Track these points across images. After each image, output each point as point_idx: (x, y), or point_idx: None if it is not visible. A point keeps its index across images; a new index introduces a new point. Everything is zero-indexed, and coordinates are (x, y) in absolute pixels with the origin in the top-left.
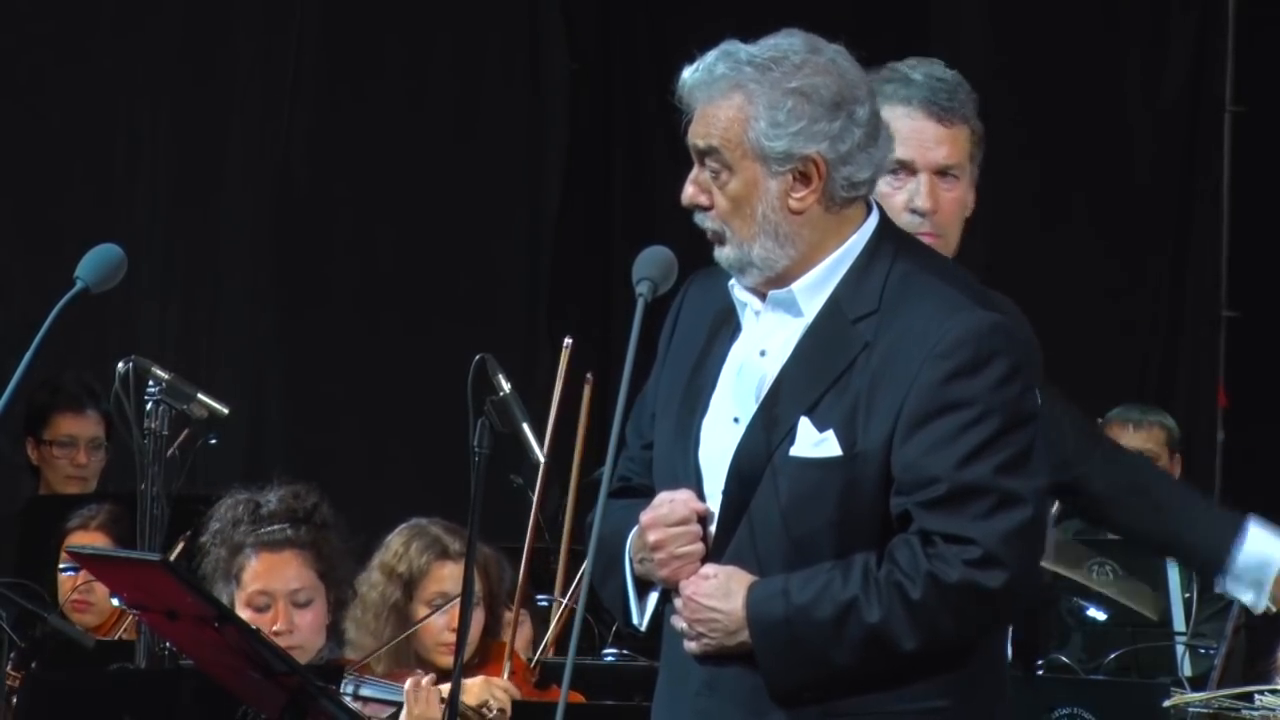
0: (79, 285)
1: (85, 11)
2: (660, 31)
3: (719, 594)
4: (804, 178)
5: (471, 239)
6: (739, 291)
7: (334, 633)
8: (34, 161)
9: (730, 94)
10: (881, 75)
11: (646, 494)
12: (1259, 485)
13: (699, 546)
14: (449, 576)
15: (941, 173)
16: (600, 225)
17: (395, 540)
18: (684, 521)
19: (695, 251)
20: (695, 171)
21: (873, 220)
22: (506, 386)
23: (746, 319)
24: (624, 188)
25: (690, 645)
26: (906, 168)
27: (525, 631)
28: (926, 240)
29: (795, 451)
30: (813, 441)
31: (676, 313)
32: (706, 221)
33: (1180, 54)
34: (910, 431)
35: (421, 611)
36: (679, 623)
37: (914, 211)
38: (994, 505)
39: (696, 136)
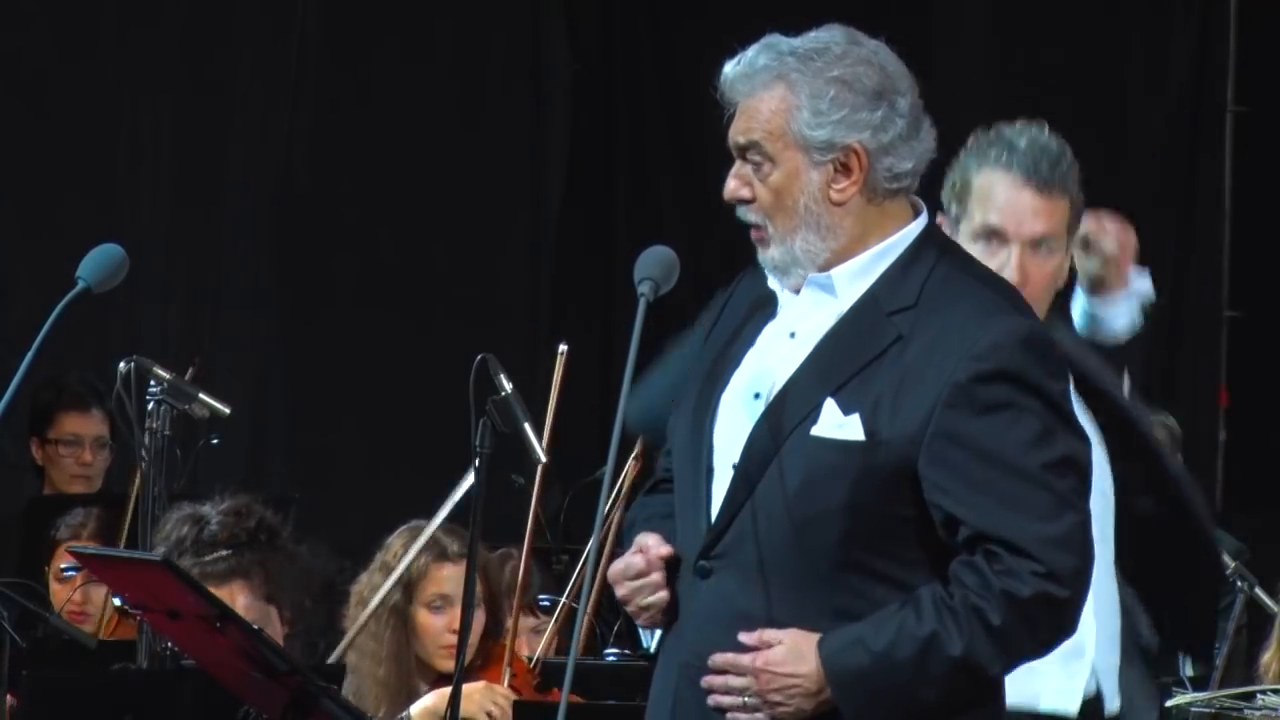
0: (81, 285)
1: (87, 11)
2: (663, 32)
3: (792, 658)
4: (845, 168)
5: (473, 239)
6: (763, 265)
7: (300, 639)
8: (36, 161)
9: (772, 85)
10: (985, 138)
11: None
12: (1260, 485)
13: (661, 596)
14: (448, 577)
15: (1035, 244)
16: (602, 225)
17: (395, 542)
18: (643, 574)
19: (697, 252)
20: (737, 165)
21: (920, 221)
22: (508, 386)
23: (783, 302)
24: (626, 188)
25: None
26: (998, 235)
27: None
28: None
29: (817, 431)
30: (836, 423)
31: (724, 302)
32: (749, 215)
33: (1182, 54)
34: (944, 433)
35: (421, 613)
36: (718, 697)
37: None
38: (1048, 508)
39: (738, 131)
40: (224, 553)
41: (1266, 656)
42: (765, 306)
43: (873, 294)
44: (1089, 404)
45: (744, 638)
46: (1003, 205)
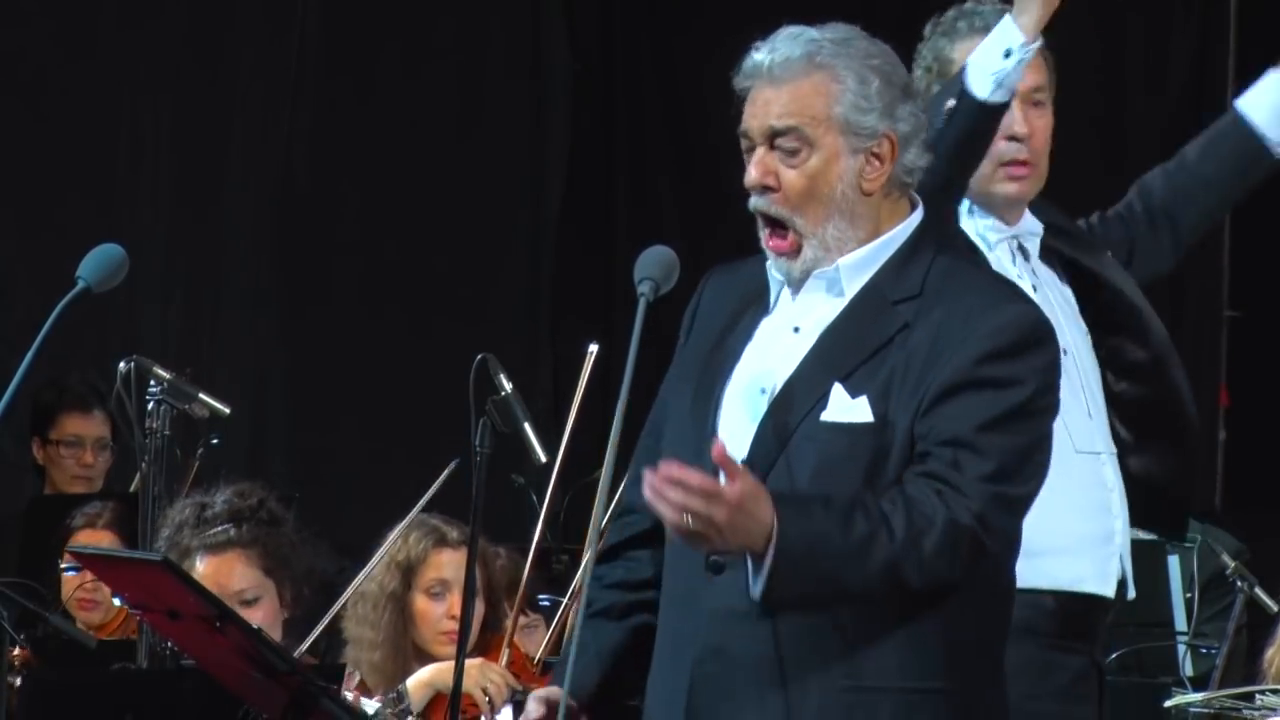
0: (81, 285)
1: (87, 10)
2: (663, 32)
3: (755, 501)
4: (877, 157)
5: (473, 239)
6: (779, 272)
7: (292, 628)
8: (36, 161)
9: (812, 71)
10: (947, 18)
11: (644, 540)
12: (1260, 485)
13: None
14: (447, 563)
15: (1032, 99)
16: (602, 225)
17: (394, 533)
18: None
19: (697, 252)
20: (760, 153)
21: (918, 214)
22: (508, 386)
23: (782, 298)
24: (626, 187)
25: (689, 543)
26: None
27: (538, 636)
28: (1021, 170)
29: (827, 416)
30: (845, 407)
31: (694, 309)
32: (772, 208)
33: (1182, 54)
34: (936, 401)
35: (419, 600)
36: (683, 521)
37: (1012, 138)
38: (1001, 473)
39: (773, 116)
40: (225, 525)
41: (1270, 652)
42: (756, 301)
43: (875, 284)
44: (1076, 282)
45: (718, 456)
46: None
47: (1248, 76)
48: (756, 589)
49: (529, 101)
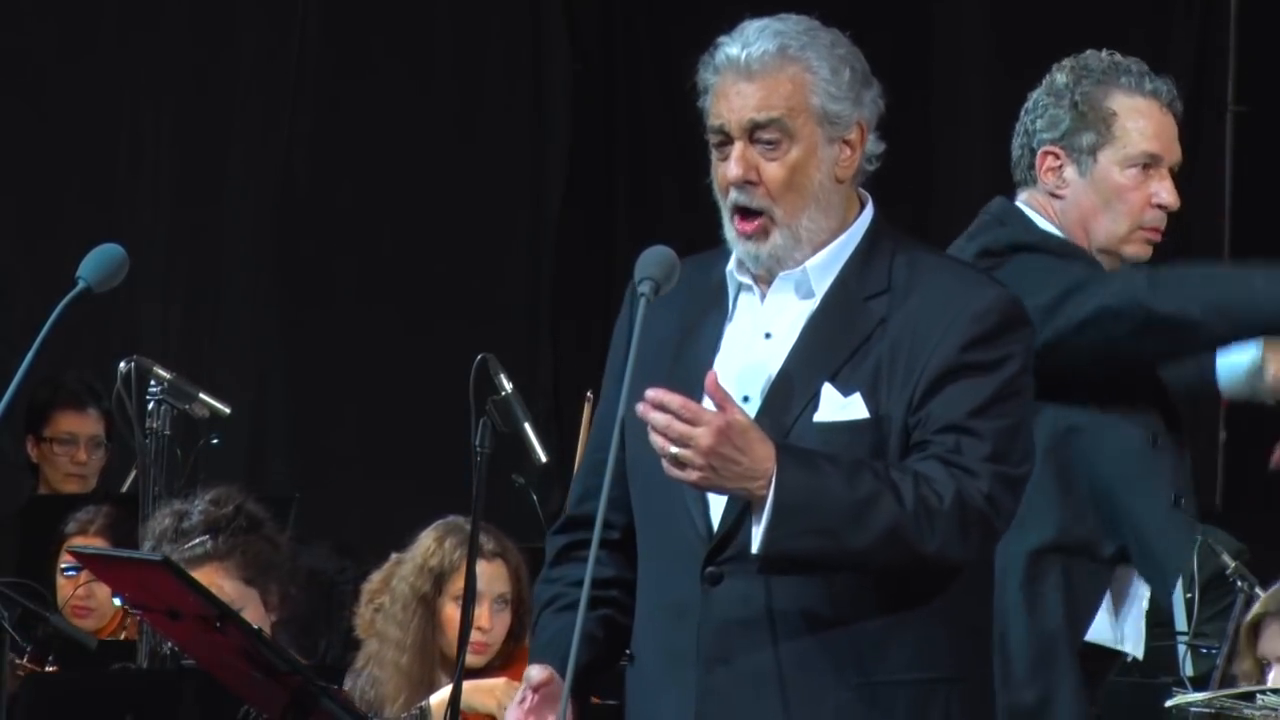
0: (81, 285)
1: (88, 11)
2: (663, 32)
3: (755, 437)
4: (848, 145)
5: (474, 239)
6: (743, 275)
7: (286, 627)
8: (37, 161)
9: (786, 64)
10: (1100, 65)
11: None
12: (1260, 485)
13: None
14: (480, 573)
15: (1174, 173)
16: (602, 225)
17: (428, 536)
18: None
19: (697, 251)
20: (740, 148)
21: (870, 210)
22: (508, 386)
23: (743, 303)
24: (626, 187)
25: (677, 474)
26: (1156, 162)
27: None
28: (1156, 237)
29: (820, 417)
30: (839, 405)
31: (631, 320)
32: (754, 200)
33: (1182, 53)
34: (928, 391)
35: (448, 607)
36: (667, 447)
37: (1160, 207)
38: (993, 454)
39: (753, 109)
40: (201, 538)
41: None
42: (712, 306)
43: (842, 282)
44: None
45: (710, 387)
46: (1159, 131)
47: (1248, 76)
48: (757, 541)
49: (529, 101)
